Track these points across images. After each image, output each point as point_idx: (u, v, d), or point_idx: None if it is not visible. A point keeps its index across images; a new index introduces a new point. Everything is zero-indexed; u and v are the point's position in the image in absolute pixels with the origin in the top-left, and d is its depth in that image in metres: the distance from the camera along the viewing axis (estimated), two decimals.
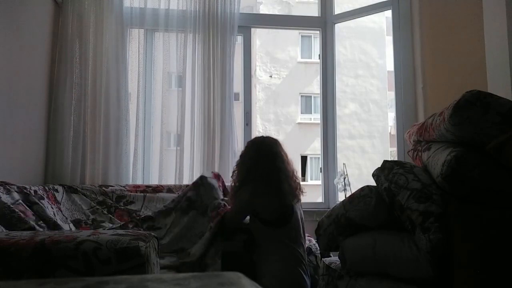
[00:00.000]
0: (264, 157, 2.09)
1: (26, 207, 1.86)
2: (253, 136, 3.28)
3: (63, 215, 2.22)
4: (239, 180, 2.13)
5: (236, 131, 2.99)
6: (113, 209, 2.51)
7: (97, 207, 2.47)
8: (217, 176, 2.58)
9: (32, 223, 1.77)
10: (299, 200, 2.17)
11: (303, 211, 2.94)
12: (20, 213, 1.74)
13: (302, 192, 2.17)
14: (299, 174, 2.25)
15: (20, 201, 1.84)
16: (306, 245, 2.21)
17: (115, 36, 2.89)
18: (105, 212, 2.46)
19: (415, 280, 1.32)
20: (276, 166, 2.07)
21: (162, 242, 2.16)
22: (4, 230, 1.56)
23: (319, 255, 2.21)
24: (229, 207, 2.20)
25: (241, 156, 2.21)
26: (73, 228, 2.19)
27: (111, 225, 2.34)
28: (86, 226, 2.33)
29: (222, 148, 2.91)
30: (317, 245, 2.29)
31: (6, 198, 1.74)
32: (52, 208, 2.12)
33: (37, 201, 1.96)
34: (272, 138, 2.22)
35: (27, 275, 1.10)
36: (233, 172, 2.20)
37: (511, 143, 1.16)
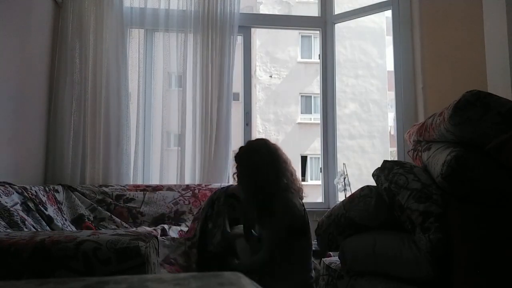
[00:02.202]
0: (282, 162, 1.82)
1: (26, 209, 1.85)
2: (253, 136, 3.27)
3: (63, 216, 2.22)
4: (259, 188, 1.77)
5: (233, 132, 3.00)
6: (113, 207, 2.52)
7: (96, 205, 2.48)
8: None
9: (31, 226, 1.77)
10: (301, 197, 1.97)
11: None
12: (19, 216, 1.74)
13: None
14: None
15: (20, 203, 1.84)
16: None
17: (115, 36, 2.89)
18: (105, 210, 2.48)
19: (415, 280, 1.32)
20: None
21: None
22: (4, 231, 1.56)
23: None
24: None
25: (250, 159, 1.83)
26: (73, 229, 2.20)
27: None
28: (89, 222, 2.34)
29: (221, 148, 2.91)
30: None
31: (5, 200, 1.73)
32: (53, 207, 2.13)
33: (37, 202, 1.96)
34: (261, 140, 1.96)
35: (27, 275, 1.10)
36: (241, 175, 1.85)
37: (511, 143, 1.16)
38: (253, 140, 2.01)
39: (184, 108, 2.94)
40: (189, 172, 2.91)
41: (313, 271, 1.91)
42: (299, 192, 1.85)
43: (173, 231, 2.34)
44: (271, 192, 1.76)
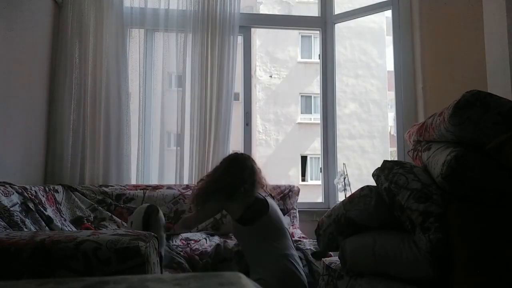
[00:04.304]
0: (236, 167, 2.18)
1: (26, 209, 1.85)
2: (253, 136, 3.28)
3: (62, 216, 2.22)
4: (206, 189, 2.17)
5: (232, 132, 3.00)
6: (113, 207, 2.52)
7: (96, 205, 2.48)
8: None
9: (31, 226, 1.77)
10: (273, 196, 2.28)
11: (302, 211, 2.96)
12: (19, 216, 1.74)
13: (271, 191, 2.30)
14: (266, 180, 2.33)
15: (20, 203, 1.84)
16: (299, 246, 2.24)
17: (115, 36, 2.89)
18: (105, 210, 2.48)
19: (415, 280, 1.32)
20: (248, 171, 2.17)
21: None
22: (4, 231, 1.56)
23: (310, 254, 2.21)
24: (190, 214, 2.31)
25: (214, 169, 2.29)
26: (73, 229, 2.20)
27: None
28: (88, 223, 2.34)
29: (221, 148, 2.91)
30: (306, 244, 2.29)
31: (5, 201, 1.73)
32: (51, 208, 2.12)
33: (37, 202, 1.95)
34: (245, 154, 2.38)
35: (27, 275, 1.10)
36: (201, 180, 2.28)
37: (511, 143, 1.16)
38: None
39: (184, 108, 2.94)
40: (188, 172, 2.91)
41: (298, 263, 2.00)
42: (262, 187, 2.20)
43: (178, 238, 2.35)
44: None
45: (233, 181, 2.12)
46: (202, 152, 2.90)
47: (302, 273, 2.00)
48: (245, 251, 2.10)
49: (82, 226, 2.30)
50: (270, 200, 2.16)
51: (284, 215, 2.72)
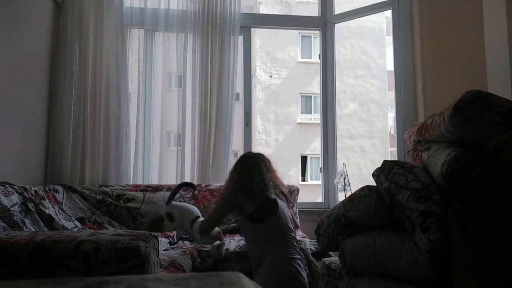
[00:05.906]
0: (249, 165, 2.22)
1: (25, 209, 1.85)
2: (253, 136, 3.29)
3: (66, 214, 2.22)
4: (226, 186, 2.23)
5: (234, 132, 3.00)
6: (113, 208, 2.51)
7: (96, 207, 2.47)
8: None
9: (30, 226, 1.77)
10: (284, 195, 2.27)
11: (302, 211, 2.96)
12: (19, 216, 1.74)
13: (283, 190, 2.28)
14: (282, 178, 2.34)
15: (20, 203, 1.84)
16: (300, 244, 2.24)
17: (115, 36, 2.89)
18: (104, 212, 2.47)
19: (415, 280, 1.32)
20: (259, 169, 2.19)
21: None
22: (4, 231, 1.56)
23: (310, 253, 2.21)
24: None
25: (234, 165, 2.31)
26: (79, 225, 2.20)
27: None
28: (90, 224, 2.34)
29: (221, 148, 2.91)
30: (306, 243, 2.29)
31: (5, 201, 1.74)
32: (54, 208, 2.13)
33: (37, 202, 1.95)
34: (259, 153, 2.37)
35: (27, 275, 1.10)
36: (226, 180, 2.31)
37: (511, 143, 1.16)
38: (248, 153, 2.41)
39: (184, 108, 2.95)
40: (188, 172, 2.91)
41: (301, 264, 2.01)
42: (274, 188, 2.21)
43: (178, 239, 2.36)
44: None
45: (243, 181, 2.15)
46: (202, 152, 2.90)
47: (305, 277, 1.99)
48: (249, 249, 2.09)
49: (85, 226, 2.30)
50: (280, 201, 2.17)
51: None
